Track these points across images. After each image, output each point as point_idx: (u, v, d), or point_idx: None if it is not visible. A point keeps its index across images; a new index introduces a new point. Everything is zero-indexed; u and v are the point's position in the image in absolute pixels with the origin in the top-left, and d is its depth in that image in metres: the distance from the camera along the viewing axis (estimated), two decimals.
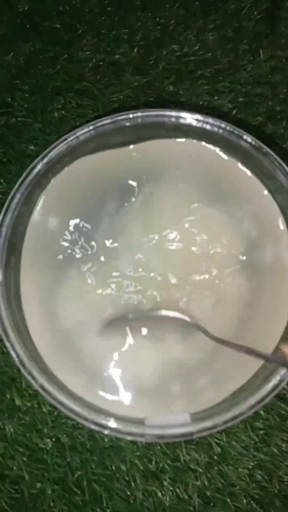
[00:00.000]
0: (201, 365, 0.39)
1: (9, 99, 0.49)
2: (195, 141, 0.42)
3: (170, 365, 0.39)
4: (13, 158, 0.47)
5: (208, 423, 0.35)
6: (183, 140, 0.42)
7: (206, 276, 0.40)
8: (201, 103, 0.49)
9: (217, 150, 0.42)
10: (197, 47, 0.50)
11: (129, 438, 0.35)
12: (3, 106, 0.48)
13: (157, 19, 0.51)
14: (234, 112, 0.49)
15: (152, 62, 0.50)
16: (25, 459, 0.42)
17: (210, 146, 0.42)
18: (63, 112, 0.48)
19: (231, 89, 0.49)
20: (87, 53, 0.50)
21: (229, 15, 0.51)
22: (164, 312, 0.39)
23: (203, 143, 0.42)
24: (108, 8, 0.51)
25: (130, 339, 0.39)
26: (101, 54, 0.50)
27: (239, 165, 0.42)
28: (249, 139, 0.40)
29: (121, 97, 0.49)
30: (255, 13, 0.51)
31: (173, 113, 0.40)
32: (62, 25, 0.50)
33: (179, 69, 0.49)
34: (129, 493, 0.42)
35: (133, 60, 0.50)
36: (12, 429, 0.43)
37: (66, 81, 0.49)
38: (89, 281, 0.40)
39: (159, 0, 0.51)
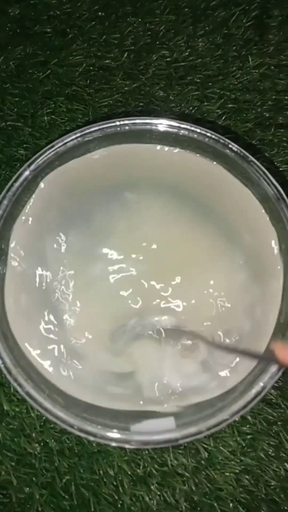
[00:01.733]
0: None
1: None
2: (182, 150, 0.42)
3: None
4: (2, 163, 0.47)
5: (192, 429, 0.35)
6: (172, 149, 0.42)
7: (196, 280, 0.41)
8: (190, 108, 0.49)
9: (206, 159, 0.42)
10: (187, 53, 0.50)
11: (114, 444, 0.35)
12: None
13: (148, 25, 0.51)
14: (223, 118, 0.49)
15: (142, 67, 0.50)
16: (13, 463, 0.42)
17: (198, 155, 0.42)
18: (53, 116, 0.49)
19: (221, 96, 0.50)
20: (78, 57, 0.50)
21: (219, 22, 0.51)
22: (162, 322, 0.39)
23: (189, 152, 0.42)
24: (99, 13, 0.51)
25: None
26: (92, 59, 0.50)
27: (226, 172, 0.42)
28: (234, 148, 0.40)
29: (111, 101, 0.49)
30: (244, 20, 0.51)
31: (161, 121, 0.40)
32: (53, 30, 0.50)
33: (169, 75, 0.50)
34: (116, 497, 0.42)
35: (124, 65, 0.50)
36: (0, 434, 0.43)
37: (56, 86, 0.49)
38: (75, 286, 0.40)
39: (150, 6, 0.51)
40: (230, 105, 0.49)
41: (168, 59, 0.50)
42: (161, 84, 0.50)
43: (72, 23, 0.51)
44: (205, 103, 0.49)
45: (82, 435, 0.35)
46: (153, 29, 0.51)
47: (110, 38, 0.50)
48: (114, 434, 0.35)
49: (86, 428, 0.35)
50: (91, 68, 0.50)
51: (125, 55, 0.50)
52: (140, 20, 0.51)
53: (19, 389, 0.36)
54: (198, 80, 0.50)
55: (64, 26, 0.51)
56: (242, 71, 0.50)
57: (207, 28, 0.51)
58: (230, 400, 0.36)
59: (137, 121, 0.40)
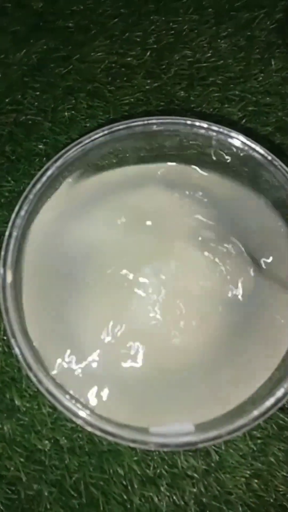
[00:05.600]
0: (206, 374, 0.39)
1: (20, 96, 0.48)
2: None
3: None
4: (21, 157, 0.47)
5: (212, 434, 0.35)
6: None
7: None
8: (211, 110, 0.49)
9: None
10: (209, 54, 0.50)
11: (133, 445, 0.35)
12: (13, 104, 0.48)
13: (171, 24, 0.51)
14: (243, 121, 0.49)
15: (164, 66, 0.50)
16: (22, 460, 0.42)
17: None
18: (73, 112, 0.48)
19: (242, 98, 0.49)
20: (100, 54, 0.50)
21: (242, 24, 0.51)
22: None
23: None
24: (122, 10, 0.51)
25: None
26: (114, 56, 0.50)
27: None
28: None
29: (132, 100, 0.49)
30: (268, 23, 0.51)
31: (189, 122, 0.40)
32: (75, 25, 0.50)
33: (191, 75, 0.50)
34: (126, 497, 0.42)
35: (146, 64, 0.50)
36: (10, 430, 0.42)
37: (77, 81, 0.49)
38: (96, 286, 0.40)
39: (173, 5, 0.51)
40: (250, 108, 0.49)
41: (190, 59, 0.50)
42: (183, 84, 0.49)
43: (94, 19, 0.50)
44: (226, 105, 0.49)
45: (102, 434, 0.35)
46: (176, 29, 0.51)
47: (133, 36, 0.50)
48: (134, 435, 0.35)
49: (106, 428, 0.35)
50: (113, 65, 0.49)
51: (148, 53, 0.50)
52: (163, 18, 0.51)
53: (39, 386, 0.35)
54: (219, 82, 0.50)
55: (87, 22, 0.50)
56: (264, 74, 0.50)
57: (230, 29, 0.51)
58: (250, 406, 0.36)
59: (165, 120, 0.40)
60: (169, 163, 0.43)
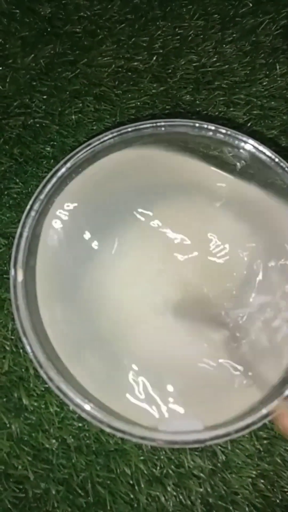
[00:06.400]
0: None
1: (28, 100, 0.49)
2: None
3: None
4: (29, 159, 0.48)
5: (220, 431, 0.35)
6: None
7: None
8: (217, 113, 0.50)
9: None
10: (214, 59, 0.51)
11: (141, 442, 0.36)
12: (21, 107, 0.49)
13: (177, 29, 0.51)
14: (249, 124, 0.49)
15: (170, 71, 0.50)
16: (30, 458, 0.42)
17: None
18: (80, 115, 0.49)
19: (247, 102, 0.50)
20: (107, 59, 0.50)
21: (247, 30, 0.52)
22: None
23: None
24: (128, 16, 0.52)
25: None
26: (120, 60, 0.50)
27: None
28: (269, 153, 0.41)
29: (139, 103, 0.49)
30: (273, 28, 0.52)
31: (197, 124, 0.40)
32: (83, 30, 0.51)
33: (197, 79, 0.50)
34: (132, 496, 0.42)
35: (152, 68, 0.50)
36: (18, 429, 0.43)
37: (84, 85, 0.50)
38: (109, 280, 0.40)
39: (179, 11, 0.52)
40: (256, 112, 0.50)
41: (196, 64, 0.51)
42: (189, 88, 0.50)
43: (102, 24, 0.51)
44: (231, 109, 0.50)
45: (111, 431, 0.35)
46: (182, 34, 0.51)
47: (139, 41, 0.51)
48: (143, 432, 0.35)
49: (115, 425, 0.35)
50: (119, 69, 0.50)
51: (154, 58, 0.50)
52: (169, 24, 0.51)
53: (50, 383, 0.36)
54: (225, 86, 0.50)
55: (94, 27, 0.51)
56: (269, 78, 0.50)
57: (235, 35, 0.51)
58: (258, 404, 0.36)
59: (176, 122, 0.40)
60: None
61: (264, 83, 0.50)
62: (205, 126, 0.40)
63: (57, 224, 0.40)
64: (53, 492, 0.42)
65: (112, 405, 0.37)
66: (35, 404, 0.43)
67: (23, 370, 0.43)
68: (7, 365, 0.44)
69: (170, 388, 0.38)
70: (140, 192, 0.42)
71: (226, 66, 0.51)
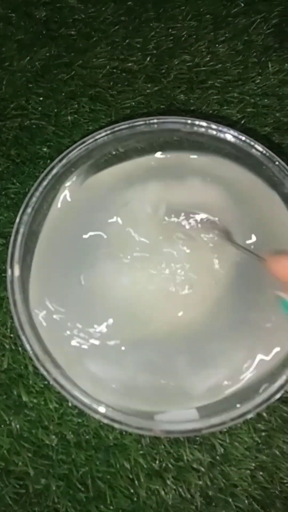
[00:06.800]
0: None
1: (24, 102, 0.50)
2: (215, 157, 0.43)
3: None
4: (26, 160, 0.48)
5: (216, 420, 0.36)
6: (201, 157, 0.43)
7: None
8: (210, 112, 0.50)
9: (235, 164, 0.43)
10: (208, 58, 0.51)
11: (138, 432, 0.36)
12: (18, 109, 0.49)
13: (170, 30, 0.52)
14: (242, 121, 0.50)
15: (164, 71, 0.51)
16: (30, 455, 0.43)
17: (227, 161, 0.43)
18: (76, 116, 0.50)
19: (240, 100, 0.51)
20: (101, 60, 0.51)
21: (239, 29, 0.52)
22: None
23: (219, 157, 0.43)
24: (122, 18, 0.52)
25: None
26: (115, 61, 0.51)
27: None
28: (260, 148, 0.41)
29: (133, 103, 0.50)
30: (265, 28, 0.52)
31: (189, 121, 0.41)
32: (78, 32, 0.52)
33: (190, 79, 0.51)
34: (132, 491, 0.42)
35: (146, 69, 0.51)
36: (18, 425, 0.43)
37: (80, 87, 0.50)
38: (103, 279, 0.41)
39: (172, 12, 0.53)
40: (249, 109, 0.50)
41: (189, 64, 0.51)
42: (182, 88, 0.51)
43: (96, 27, 0.52)
44: (225, 107, 0.50)
45: (108, 422, 0.36)
46: (175, 35, 0.52)
47: (133, 42, 0.52)
48: (139, 423, 0.36)
49: (112, 415, 0.36)
50: (114, 70, 0.51)
51: (148, 58, 0.51)
52: (162, 25, 0.52)
53: (46, 374, 0.36)
54: (218, 85, 0.51)
55: (89, 29, 0.52)
56: (262, 76, 0.51)
57: (227, 34, 0.52)
58: (253, 393, 0.36)
59: (168, 120, 0.41)
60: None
61: (257, 81, 0.51)
62: (197, 122, 0.41)
63: (54, 220, 0.41)
64: (54, 488, 0.42)
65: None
66: (35, 400, 0.43)
67: (22, 367, 0.44)
68: (7, 362, 0.44)
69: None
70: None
71: (219, 65, 0.51)
